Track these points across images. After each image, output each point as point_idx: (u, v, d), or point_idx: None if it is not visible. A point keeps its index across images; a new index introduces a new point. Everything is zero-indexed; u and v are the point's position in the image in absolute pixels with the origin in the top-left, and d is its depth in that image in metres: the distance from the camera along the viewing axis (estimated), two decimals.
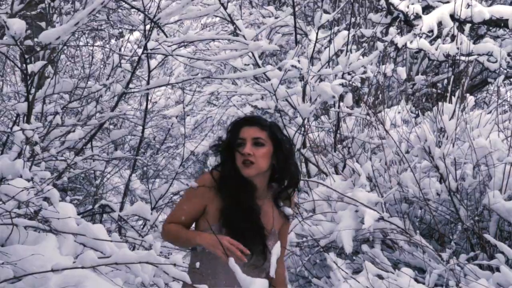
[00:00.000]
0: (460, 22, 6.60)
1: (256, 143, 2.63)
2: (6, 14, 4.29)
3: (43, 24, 5.26)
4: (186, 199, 2.76)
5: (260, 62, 5.19)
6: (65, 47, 5.61)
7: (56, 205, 2.41)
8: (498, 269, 3.25)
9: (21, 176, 2.68)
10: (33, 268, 2.11)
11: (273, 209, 2.74)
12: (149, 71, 4.64)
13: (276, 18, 7.50)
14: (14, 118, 4.35)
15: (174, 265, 2.10)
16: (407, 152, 4.36)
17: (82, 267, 2.05)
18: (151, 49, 4.12)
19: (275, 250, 2.44)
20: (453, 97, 4.58)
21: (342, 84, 4.60)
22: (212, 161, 2.87)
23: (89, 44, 7.27)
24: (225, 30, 8.64)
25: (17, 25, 2.67)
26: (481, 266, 3.47)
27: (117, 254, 2.13)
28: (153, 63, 5.84)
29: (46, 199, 2.56)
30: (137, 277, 2.23)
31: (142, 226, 4.93)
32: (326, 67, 5.10)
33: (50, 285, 2.05)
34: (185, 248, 2.83)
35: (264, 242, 2.65)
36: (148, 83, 4.62)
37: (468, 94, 4.88)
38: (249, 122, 2.70)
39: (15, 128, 3.16)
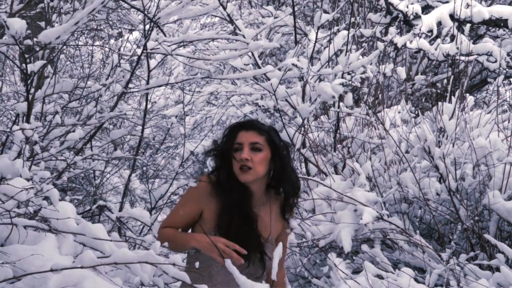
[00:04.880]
0: (459, 22, 6.60)
1: (253, 148, 2.55)
2: (5, 14, 4.28)
3: (42, 24, 5.26)
4: (181, 204, 2.67)
5: (260, 62, 5.18)
6: (65, 46, 5.61)
7: (55, 204, 2.40)
8: (498, 269, 3.25)
9: (20, 176, 2.68)
10: (33, 268, 2.10)
11: (270, 216, 2.66)
12: (149, 71, 4.63)
13: (275, 18, 7.49)
14: (14, 118, 4.35)
15: (174, 264, 2.08)
16: (407, 152, 4.36)
17: (82, 267, 2.05)
18: (150, 49, 4.11)
19: (277, 252, 2.38)
20: (453, 97, 4.58)
21: (342, 84, 4.59)
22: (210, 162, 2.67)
23: (88, 44, 7.27)
24: (224, 30, 8.63)
25: (18, 25, 2.66)
26: (481, 266, 3.47)
27: (117, 254, 2.12)
28: (153, 63, 5.84)
29: (46, 198, 2.56)
30: (136, 276, 2.22)
31: (140, 229, 4.93)
32: (326, 67, 5.09)
33: (49, 285, 2.04)
34: (181, 252, 2.72)
35: (261, 250, 2.56)
36: (147, 83, 4.62)
37: (467, 94, 4.88)
38: (246, 127, 2.61)
39: (15, 127, 3.15)
